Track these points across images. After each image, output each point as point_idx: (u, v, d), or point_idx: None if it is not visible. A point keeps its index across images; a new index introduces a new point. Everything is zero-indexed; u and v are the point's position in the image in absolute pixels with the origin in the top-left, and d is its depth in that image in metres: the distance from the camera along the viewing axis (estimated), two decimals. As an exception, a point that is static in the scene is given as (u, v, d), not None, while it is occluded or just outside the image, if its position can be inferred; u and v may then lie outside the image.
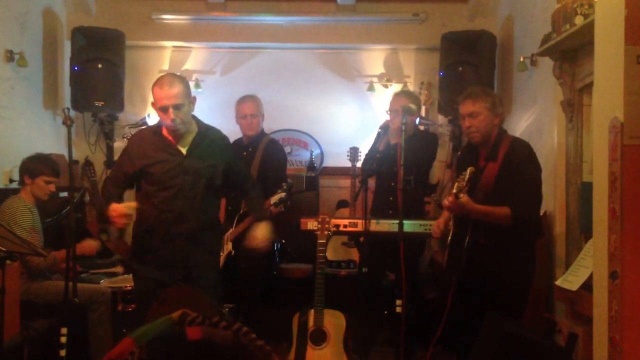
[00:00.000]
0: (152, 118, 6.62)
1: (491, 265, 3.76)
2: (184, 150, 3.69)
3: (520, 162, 3.77)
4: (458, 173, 4.02)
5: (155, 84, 3.61)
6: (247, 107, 5.06)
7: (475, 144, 3.97)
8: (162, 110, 3.57)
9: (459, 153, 5.11)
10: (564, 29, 4.01)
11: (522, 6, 5.80)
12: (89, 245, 4.68)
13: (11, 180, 5.16)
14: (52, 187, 4.59)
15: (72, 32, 6.26)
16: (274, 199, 4.51)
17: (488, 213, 3.72)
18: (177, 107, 3.56)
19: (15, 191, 4.61)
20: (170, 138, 3.69)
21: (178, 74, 3.76)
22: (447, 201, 3.73)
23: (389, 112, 4.90)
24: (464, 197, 3.63)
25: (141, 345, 1.69)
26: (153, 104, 3.66)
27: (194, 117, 3.78)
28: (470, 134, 3.93)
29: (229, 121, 5.27)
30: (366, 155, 5.04)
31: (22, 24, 5.83)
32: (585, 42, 3.97)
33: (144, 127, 3.88)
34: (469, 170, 3.59)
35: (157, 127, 3.76)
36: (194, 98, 3.86)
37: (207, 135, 3.78)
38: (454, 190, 3.59)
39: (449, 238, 3.99)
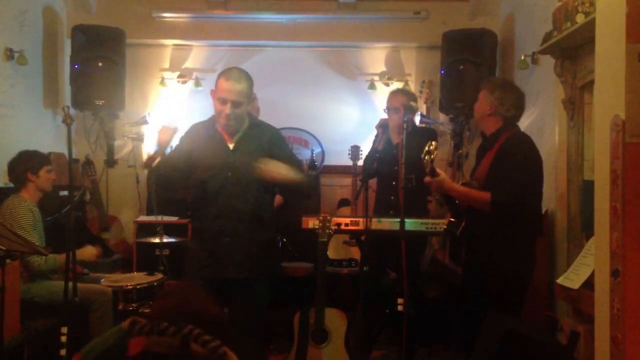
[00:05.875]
0: (153, 116, 6.63)
1: (484, 258, 3.76)
2: (231, 146, 3.61)
3: (512, 152, 3.71)
4: (477, 163, 4.03)
5: (222, 74, 3.56)
6: None
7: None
8: (221, 101, 3.51)
9: (460, 151, 5.16)
10: (565, 27, 4.01)
11: (523, 4, 5.79)
12: (90, 251, 4.68)
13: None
14: (53, 175, 4.65)
15: (72, 30, 6.27)
16: None
17: (467, 194, 3.75)
18: (235, 104, 3.50)
19: (15, 190, 4.60)
20: (222, 133, 3.62)
21: (245, 71, 3.63)
22: (426, 179, 3.77)
23: (386, 111, 4.90)
24: (441, 174, 3.68)
25: None
26: (213, 93, 3.60)
27: (248, 114, 3.71)
28: None
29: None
30: (366, 156, 5.04)
31: (22, 22, 5.83)
32: (586, 40, 3.97)
33: (200, 121, 3.81)
34: (429, 143, 3.62)
35: (212, 121, 3.69)
36: (255, 97, 3.80)
37: (257, 131, 3.68)
38: (427, 169, 3.63)
39: (445, 226, 4.02)
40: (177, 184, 3.73)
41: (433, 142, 3.63)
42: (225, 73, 3.56)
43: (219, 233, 3.57)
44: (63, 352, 3.67)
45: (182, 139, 3.76)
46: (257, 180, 3.56)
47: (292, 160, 3.78)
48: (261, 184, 3.60)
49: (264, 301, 3.78)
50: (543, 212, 4.72)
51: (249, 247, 3.60)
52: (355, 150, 5.69)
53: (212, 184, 3.58)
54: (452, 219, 4.01)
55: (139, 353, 1.70)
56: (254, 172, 3.52)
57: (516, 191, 3.63)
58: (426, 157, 3.60)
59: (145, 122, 6.63)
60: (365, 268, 4.52)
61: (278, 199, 4.71)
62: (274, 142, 3.74)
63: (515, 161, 3.68)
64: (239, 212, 3.57)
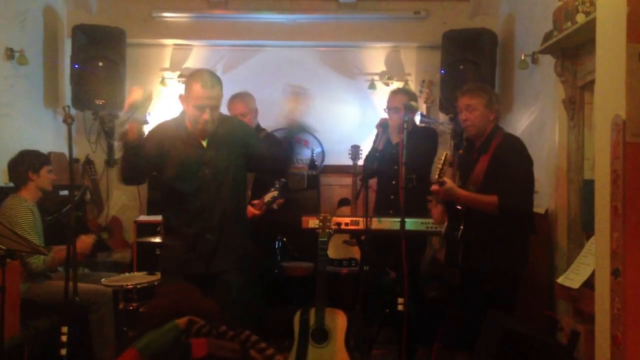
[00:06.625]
0: (153, 116, 6.62)
1: (483, 259, 3.81)
2: (204, 143, 3.61)
3: (510, 155, 3.83)
4: (460, 170, 4.09)
5: (195, 80, 3.52)
6: (236, 107, 4.96)
7: (471, 136, 4.07)
8: (198, 109, 3.50)
9: (460, 151, 5.16)
10: (565, 26, 4.01)
11: (523, 4, 5.79)
12: (84, 242, 4.66)
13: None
14: (53, 176, 4.66)
15: (72, 30, 6.26)
16: (267, 197, 4.50)
17: (474, 199, 3.80)
18: (213, 109, 3.52)
19: (15, 190, 4.60)
20: (192, 132, 3.61)
21: (214, 72, 3.65)
22: (434, 187, 3.81)
23: (386, 110, 4.90)
24: (448, 182, 3.73)
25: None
26: (183, 98, 3.59)
27: None
28: (466, 127, 4.05)
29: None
30: (366, 156, 5.04)
31: (22, 22, 5.83)
32: (586, 40, 3.97)
33: (167, 120, 3.82)
34: (444, 154, 3.71)
35: (181, 120, 3.69)
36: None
37: (225, 126, 3.69)
38: (436, 178, 3.66)
39: (443, 230, 4.03)
40: (140, 171, 3.71)
41: (447, 153, 3.68)
42: (198, 79, 3.52)
43: (201, 230, 3.59)
44: (63, 351, 3.68)
45: (148, 138, 3.73)
46: (232, 174, 3.63)
47: (269, 141, 3.95)
48: (236, 178, 3.66)
49: (249, 293, 3.81)
50: (543, 211, 4.76)
51: (231, 242, 3.65)
52: (355, 150, 5.69)
53: (189, 183, 3.58)
54: (448, 223, 4.02)
55: (204, 356, 1.68)
56: (228, 166, 3.60)
57: (521, 192, 3.78)
58: (444, 168, 3.65)
59: (146, 122, 6.59)
60: (365, 268, 4.52)
61: (279, 200, 4.71)
62: (248, 134, 3.79)
63: (515, 164, 3.80)
64: (220, 208, 3.60)
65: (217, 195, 3.60)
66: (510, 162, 3.79)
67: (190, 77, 3.62)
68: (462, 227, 3.90)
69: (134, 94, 3.57)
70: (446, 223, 4.03)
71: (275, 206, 4.61)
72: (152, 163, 3.67)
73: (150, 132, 3.76)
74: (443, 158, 3.68)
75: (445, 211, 4.07)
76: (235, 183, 3.68)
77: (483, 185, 3.81)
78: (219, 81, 3.59)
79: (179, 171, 3.59)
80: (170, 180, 3.63)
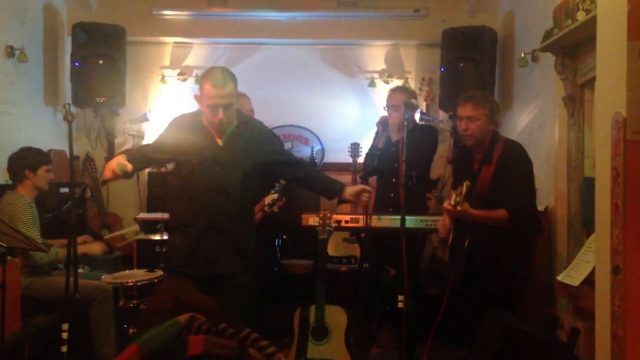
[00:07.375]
0: (154, 113, 6.63)
1: (491, 261, 3.82)
2: (220, 142, 3.60)
3: (514, 163, 3.86)
4: (455, 178, 4.09)
5: (206, 80, 3.50)
6: None
7: (469, 146, 4.05)
8: (211, 108, 3.47)
9: (453, 157, 5.18)
10: (565, 24, 4.02)
11: (523, 2, 5.79)
12: (95, 247, 4.73)
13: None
14: (52, 176, 4.65)
15: (72, 28, 6.26)
16: (267, 199, 4.50)
17: (485, 217, 3.77)
18: (227, 107, 3.49)
19: (12, 186, 4.60)
20: (209, 129, 3.60)
21: (227, 68, 3.64)
22: (446, 206, 3.77)
23: (386, 108, 4.90)
24: (462, 206, 3.69)
25: (143, 355, 1.68)
26: (197, 97, 3.57)
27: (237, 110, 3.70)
28: (465, 137, 4.01)
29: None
30: (367, 154, 5.04)
31: (22, 20, 5.83)
32: (586, 38, 3.98)
33: (186, 113, 3.79)
34: (465, 184, 3.62)
35: (198, 116, 3.65)
36: (248, 98, 4.03)
37: (245, 128, 3.68)
38: (452, 203, 3.62)
39: (449, 240, 4.01)
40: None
41: (468, 183, 3.65)
42: (210, 78, 3.50)
43: (206, 229, 3.57)
44: (64, 348, 3.68)
45: (167, 131, 3.70)
46: (244, 177, 3.61)
47: (290, 157, 3.94)
48: (247, 181, 3.63)
49: (251, 295, 3.84)
50: (543, 209, 4.77)
51: (235, 243, 3.63)
52: (355, 148, 5.69)
53: (200, 179, 3.56)
54: (454, 234, 4.00)
55: (200, 354, 1.69)
56: (241, 168, 3.58)
57: (528, 199, 3.85)
58: (463, 198, 3.63)
59: (146, 120, 6.63)
60: (365, 265, 4.53)
61: (279, 203, 4.71)
62: (265, 140, 3.77)
63: (519, 172, 3.84)
64: (226, 208, 3.58)
65: (227, 195, 3.57)
66: (514, 170, 3.82)
67: (202, 76, 3.61)
68: (467, 241, 3.89)
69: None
70: (452, 234, 4.01)
71: (276, 208, 4.61)
72: (159, 159, 3.70)
73: (169, 126, 3.72)
74: (464, 189, 3.63)
75: (451, 223, 4.05)
76: (246, 185, 3.64)
77: (488, 195, 3.81)
78: (231, 78, 3.55)
79: (191, 168, 3.58)
80: (182, 175, 3.62)
